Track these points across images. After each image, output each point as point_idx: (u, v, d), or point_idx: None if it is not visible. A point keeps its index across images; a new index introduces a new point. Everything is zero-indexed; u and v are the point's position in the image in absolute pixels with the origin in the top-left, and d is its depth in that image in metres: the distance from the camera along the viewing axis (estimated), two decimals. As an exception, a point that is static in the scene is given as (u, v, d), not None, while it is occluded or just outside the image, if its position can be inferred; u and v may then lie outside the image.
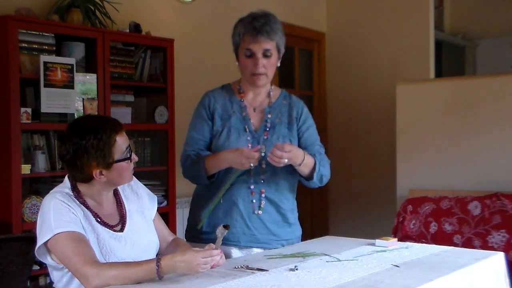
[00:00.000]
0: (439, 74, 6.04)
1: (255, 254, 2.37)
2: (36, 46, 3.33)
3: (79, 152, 1.95)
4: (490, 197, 3.80)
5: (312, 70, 6.00)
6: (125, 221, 2.08)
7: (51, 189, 2.05)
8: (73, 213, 1.94)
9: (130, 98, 3.91)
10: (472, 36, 7.04)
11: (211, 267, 1.88)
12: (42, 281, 3.37)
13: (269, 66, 2.47)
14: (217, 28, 4.65)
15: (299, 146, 2.51)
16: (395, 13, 5.59)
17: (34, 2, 3.55)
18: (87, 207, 2.01)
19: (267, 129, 2.51)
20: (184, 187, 3.50)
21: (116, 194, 2.13)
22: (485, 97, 4.14)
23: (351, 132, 5.85)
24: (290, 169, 2.48)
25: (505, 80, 4.16)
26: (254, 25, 2.42)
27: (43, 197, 2.05)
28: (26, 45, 3.29)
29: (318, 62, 5.99)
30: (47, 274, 3.07)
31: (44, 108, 3.31)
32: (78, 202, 1.99)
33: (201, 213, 2.50)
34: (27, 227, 3.18)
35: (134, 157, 2.06)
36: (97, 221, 2.00)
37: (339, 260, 2.15)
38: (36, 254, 1.96)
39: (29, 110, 3.25)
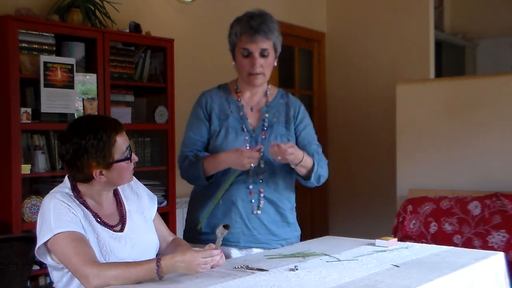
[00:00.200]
0: (439, 74, 6.04)
1: (255, 254, 2.37)
2: (36, 46, 3.33)
3: (79, 152, 1.95)
4: (490, 197, 3.80)
5: (312, 70, 6.00)
6: (125, 221, 2.08)
7: (51, 189, 2.05)
8: (73, 213, 1.94)
9: (130, 98, 3.91)
10: (472, 36, 7.04)
11: (211, 267, 1.88)
12: (42, 281, 3.37)
13: (266, 65, 2.47)
14: (217, 28, 4.64)
15: (297, 145, 2.51)
16: (395, 13, 5.59)
17: (34, 2, 3.55)
18: (87, 207, 2.01)
19: (265, 128, 2.51)
20: (184, 187, 3.49)
21: (116, 194, 2.13)
22: (485, 97, 4.14)
23: (351, 132, 5.84)
24: (288, 169, 2.48)
25: (505, 80, 4.16)
26: (251, 24, 2.42)
27: (43, 197, 2.05)
28: (26, 45, 3.29)
29: (318, 62, 5.99)
30: (47, 274, 3.06)
31: (44, 108, 3.31)
32: (78, 202, 1.99)
33: (200, 214, 2.49)
34: (27, 227, 3.18)
35: (134, 157, 2.06)
36: (97, 221, 2.00)
37: (339, 260, 2.14)
38: (36, 254, 1.96)
39: (29, 110, 3.25)
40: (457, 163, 4.20)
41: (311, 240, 2.65)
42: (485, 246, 3.62)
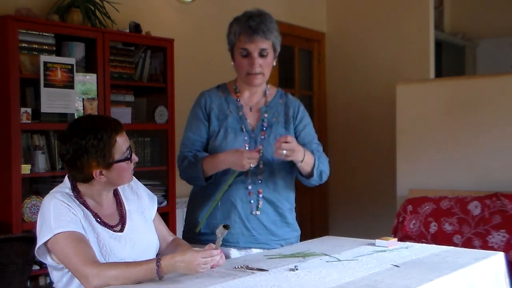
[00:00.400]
0: (439, 74, 6.04)
1: (255, 254, 2.37)
2: (36, 46, 3.34)
3: (79, 152, 1.95)
4: (490, 197, 3.81)
5: (312, 70, 6.00)
6: (125, 221, 2.08)
7: (51, 189, 2.05)
8: (73, 213, 1.94)
9: (130, 98, 3.91)
10: (472, 36, 7.04)
11: (211, 267, 1.88)
12: (42, 281, 3.37)
13: (265, 65, 2.46)
14: (217, 28, 4.63)
15: None
16: (395, 13, 5.59)
17: (34, 2, 3.55)
18: (87, 207, 2.01)
19: (264, 128, 2.51)
20: (184, 187, 3.49)
21: (116, 194, 2.13)
22: (485, 97, 4.14)
23: (351, 132, 5.85)
24: (288, 168, 2.48)
25: (505, 80, 4.16)
26: (250, 24, 2.41)
27: (43, 197, 2.05)
28: (26, 45, 3.29)
29: (318, 62, 5.99)
30: (47, 274, 3.06)
31: (44, 108, 3.31)
32: (78, 202, 1.99)
33: (199, 215, 2.49)
34: (27, 227, 3.18)
35: (134, 158, 2.06)
36: (97, 221, 2.00)
37: (339, 260, 2.14)
38: (36, 254, 1.96)
39: (29, 110, 3.26)
40: (457, 163, 4.20)
41: (311, 240, 2.65)
42: (485, 246, 3.62)
